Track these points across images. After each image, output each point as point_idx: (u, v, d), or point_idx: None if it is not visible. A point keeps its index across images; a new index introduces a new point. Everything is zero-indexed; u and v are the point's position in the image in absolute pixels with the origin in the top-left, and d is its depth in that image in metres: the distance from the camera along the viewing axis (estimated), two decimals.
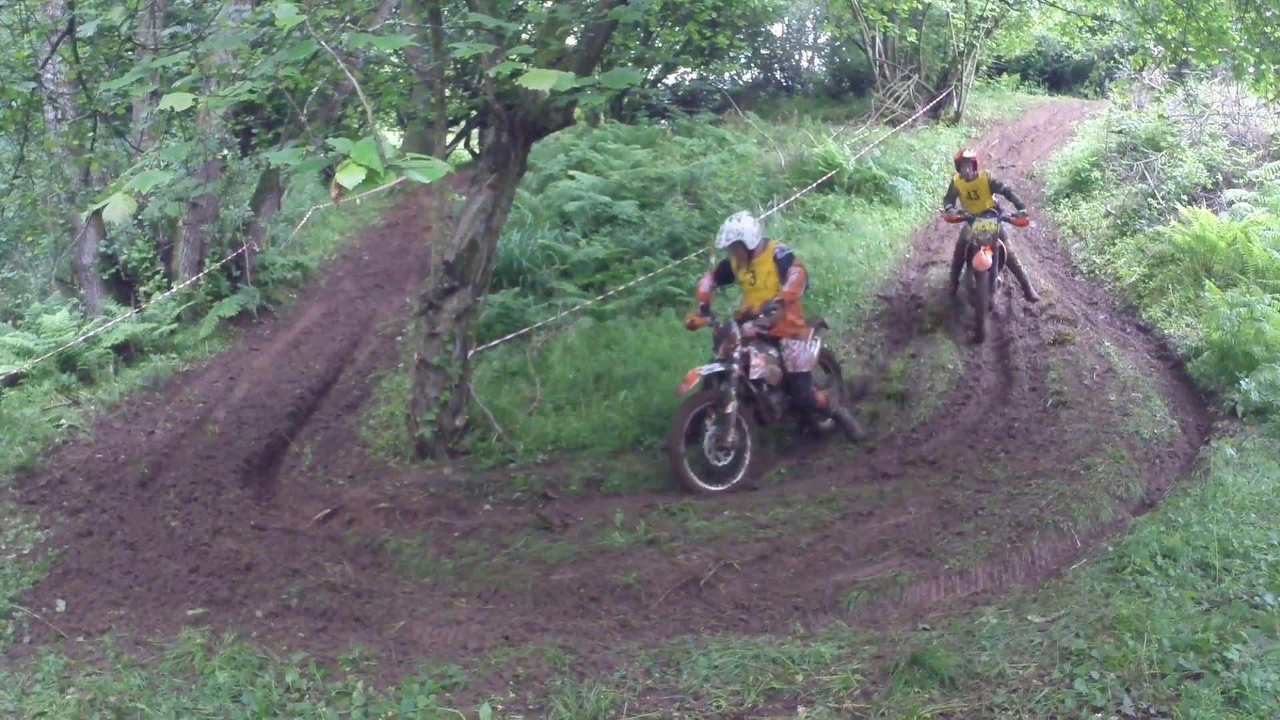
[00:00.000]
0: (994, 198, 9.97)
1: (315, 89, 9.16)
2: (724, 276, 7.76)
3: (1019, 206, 10.18)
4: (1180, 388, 8.30)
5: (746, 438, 7.31)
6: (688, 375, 7.38)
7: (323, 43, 3.09)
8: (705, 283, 7.80)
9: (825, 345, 8.14)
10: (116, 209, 2.93)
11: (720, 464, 7.19)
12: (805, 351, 7.54)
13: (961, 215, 10.11)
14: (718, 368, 7.28)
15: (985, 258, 9.37)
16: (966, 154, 10.33)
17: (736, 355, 7.28)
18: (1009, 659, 3.74)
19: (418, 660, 4.32)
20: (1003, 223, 9.77)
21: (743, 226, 7.47)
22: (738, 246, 7.45)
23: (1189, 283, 9.69)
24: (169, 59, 4.21)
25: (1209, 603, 4.16)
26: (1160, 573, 4.48)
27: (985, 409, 8.06)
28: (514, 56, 3.64)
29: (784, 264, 7.40)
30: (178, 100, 3.05)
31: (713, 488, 7.03)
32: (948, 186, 10.67)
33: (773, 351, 7.52)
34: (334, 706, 3.84)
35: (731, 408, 7.16)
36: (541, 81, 2.97)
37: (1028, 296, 10.19)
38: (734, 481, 7.13)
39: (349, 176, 2.60)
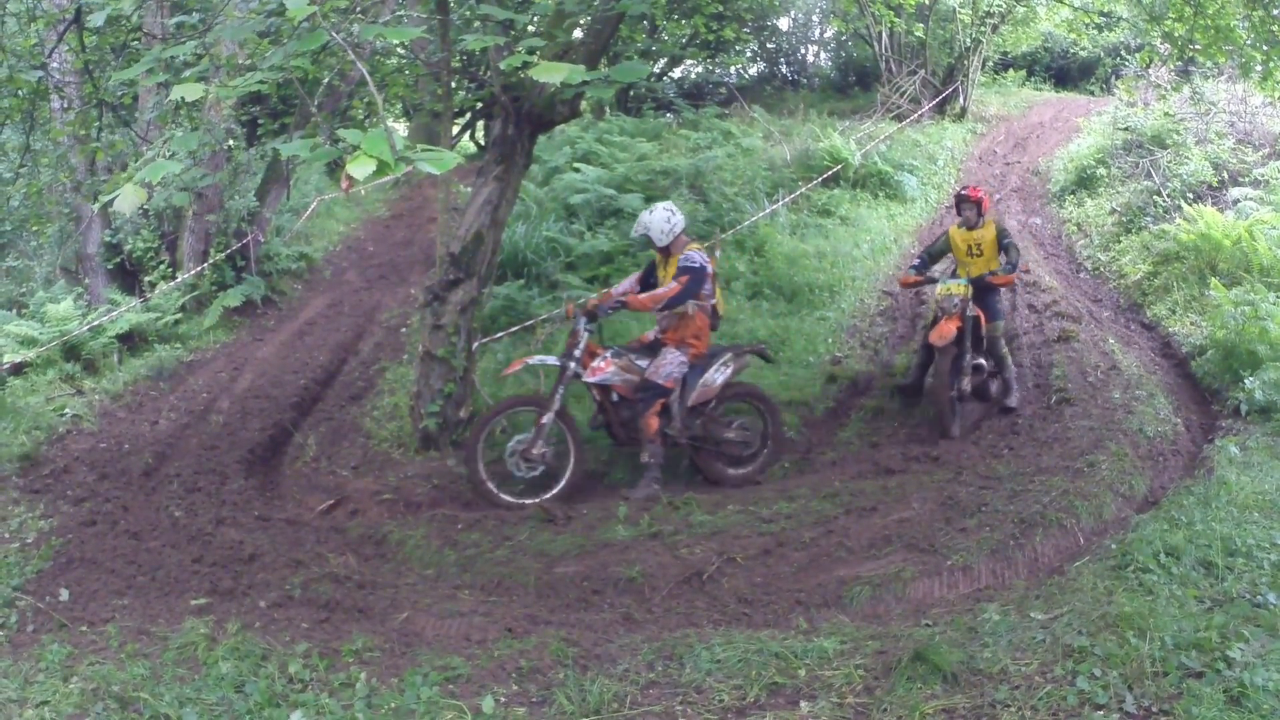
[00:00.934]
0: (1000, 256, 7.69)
1: (325, 80, 9.16)
2: (650, 279, 7.05)
3: (1012, 262, 7.61)
4: (1184, 386, 8.30)
5: (569, 451, 6.58)
6: (513, 361, 6.77)
7: (332, 34, 3.09)
8: (624, 284, 7.09)
9: (759, 389, 7.28)
10: (128, 199, 2.94)
11: (522, 475, 6.55)
12: (676, 366, 6.71)
13: (922, 278, 7.88)
14: (551, 361, 6.70)
15: (949, 328, 7.24)
16: (967, 191, 7.89)
17: (576, 354, 6.60)
18: (1011, 656, 3.75)
19: (421, 652, 4.33)
20: (973, 284, 7.43)
21: (652, 220, 6.76)
22: (649, 241, 6.85)
23: (1194, 281, 9.68)
24: (177, 49, 4.21)
25: (1212, 601, 4.17)
26: (1163, 571, 4.49)
27: (989, 405, 8.04)
28: (522, 49, 3.64)
29: (682, 273, 6.66)
30: (189, 90, 3.06)
31: (514, 500, 6.44)
32: (935, 240, 8.35)
33: (642, 362, 6.73)
34: (337, 697, 3.85)
35: (548, 417, 6.46)
36: (553, 74, 2.98)
37: (1004, 402, 7.65)
38: (545, 497, 6.46)
39: (359, 168, 2.60)
